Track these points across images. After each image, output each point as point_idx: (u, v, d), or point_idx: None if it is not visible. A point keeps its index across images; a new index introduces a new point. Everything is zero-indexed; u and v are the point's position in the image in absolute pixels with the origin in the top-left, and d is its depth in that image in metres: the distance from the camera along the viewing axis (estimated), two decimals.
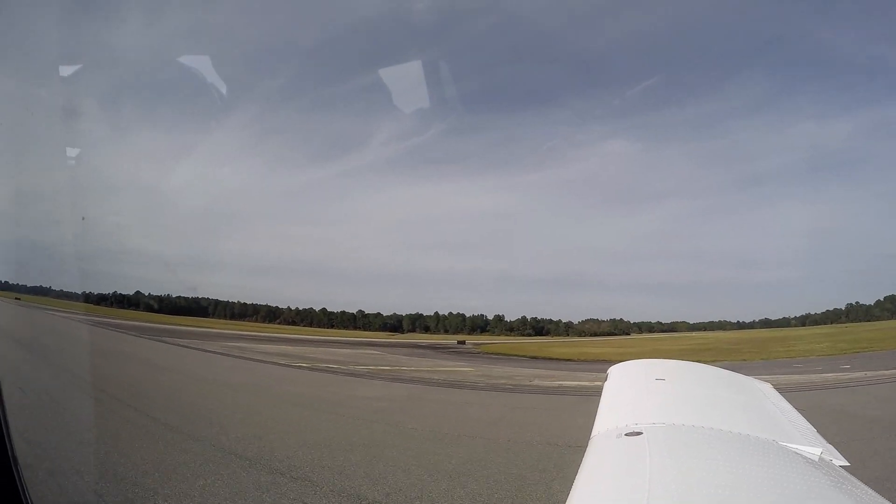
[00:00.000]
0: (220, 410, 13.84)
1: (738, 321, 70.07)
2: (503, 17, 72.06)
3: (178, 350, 33.84)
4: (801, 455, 2.45)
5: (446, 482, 8.20)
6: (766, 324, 65.76)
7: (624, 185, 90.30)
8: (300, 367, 28.09)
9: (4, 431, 2.71)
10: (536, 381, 25.01)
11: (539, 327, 73.31)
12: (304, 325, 70.79)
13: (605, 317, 75.45)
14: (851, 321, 62.04)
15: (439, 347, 57.72)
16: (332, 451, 9.93)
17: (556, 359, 46.26)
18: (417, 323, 74.01)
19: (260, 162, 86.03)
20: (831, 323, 63.26)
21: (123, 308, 61.52)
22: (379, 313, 73.43)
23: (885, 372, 24.55)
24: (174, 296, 66.42)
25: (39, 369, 16.66)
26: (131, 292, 65.04)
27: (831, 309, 67.01)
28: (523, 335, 70.75)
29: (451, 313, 75.50)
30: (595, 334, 71.48)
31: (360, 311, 73.36)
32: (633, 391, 3.80)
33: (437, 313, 75.08)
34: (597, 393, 3.74)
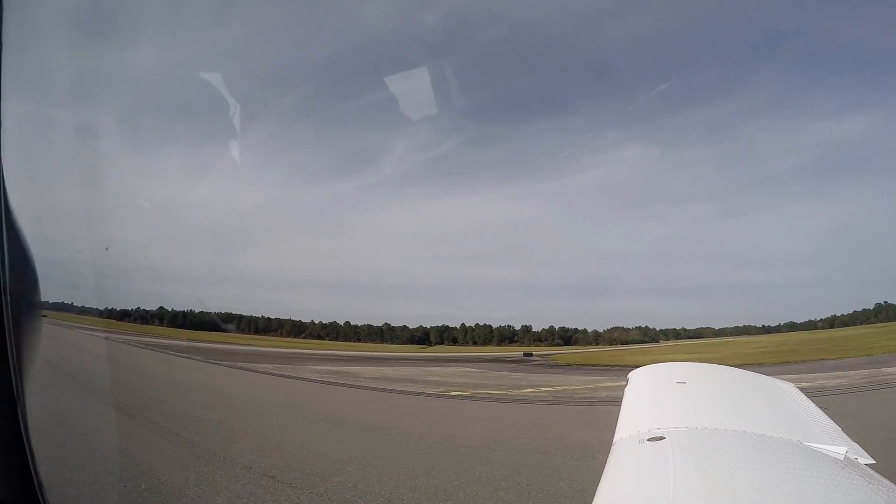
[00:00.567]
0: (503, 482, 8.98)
1: (763, 325, 68.27)
2: (514, 26, 72.42)
3: (282, 382, 27.09)
4: (827, 455, 2.42)
5: None
6: (793, 327, 63.96)
7: (642, 189, 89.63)
8: (436, 395, 22.89)
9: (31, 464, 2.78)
10: None
11: (567, 336, 72.20)
12: (330, 339, 70.58)
13: (628, 324, 74.02)
14: (881, 321, 60.01)
15: (509, 360, 53.59)
16: None
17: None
18: (445, 335, 73.45)
19: (277, 177, 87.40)
20: (861, 324, 61.30)
21: (147, 324, 62.46)
22: (405, 326, 72.98)
23: None
24: (197, 311, 67.34)
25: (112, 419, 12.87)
26: (154, 307, 66.09)
27: (860, 310, 64.93)
28: (552, 345, 69.64)
29: (477, 324, 74.60)
30: (625, 342, 70.06)
31: (387, 323, 72.96)
32: (654, 395, 3.78)
33: (463, 325, 74.25)
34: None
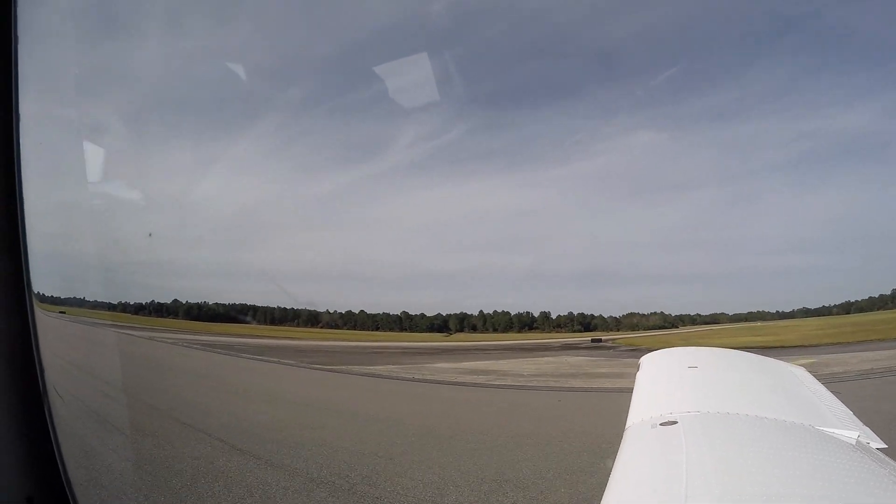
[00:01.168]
0: None
1: (778, 311, 67.74)
2: (521, 13, 71.22)
3: (425, 390, 23.08)
4: (839, 439, 2.43)
5: None
6: (807, 313, 63.44)
7: (650, 176, 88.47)
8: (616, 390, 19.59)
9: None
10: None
11: (586, 323, 71.93)
12: (348, 329, 70.89)
13: (643, 310, 73.69)
14: None
15: (579, 346, 51.31)
16: None
17: (764, 347, 39.96)
18: (465, 323, 73.46)
19: (286, 169, 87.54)
20: (879, 309, 60.55)
21: (162, 316, 63.25)
22: (423, 314, 72.95)
23: None
24: (210, 303, 68.04)
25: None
26: (169, 300, 66.88)
27: (876, 295, 64.06)
28: (572, 331, 69.44)
29: (495, 311, 74.44)
30: (647, 328, 69.75)
31: (405, 312, 72.96)
32: (666, 380, 3.79)
33: (481, 312, 74.15)
34: None
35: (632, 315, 72.28)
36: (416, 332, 68.45)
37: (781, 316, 66.26)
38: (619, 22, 77.07)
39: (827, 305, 62.58)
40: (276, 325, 68.15)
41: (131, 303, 60.32)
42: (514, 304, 76.29)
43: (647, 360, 4.44)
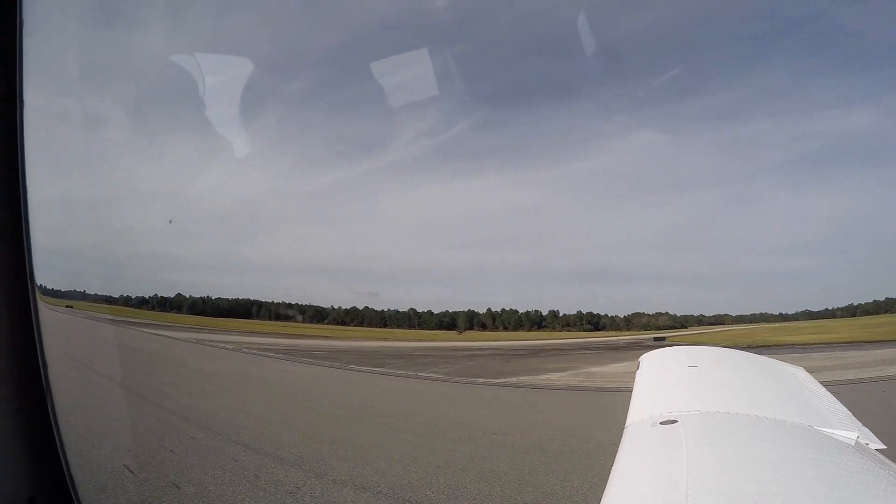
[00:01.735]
0: None
1: (780, 313, 67.69)
2: (522, 10, 70.93)
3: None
4: (838, 439, 2.44)
5: None
6: (809, 315, 63.32)
7: (650, 175, 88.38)
8: None
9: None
10: None
11: (595, 322, 71.92)
12: (355, 325, 70.76)
13: (647, 310, 73.55)
14: None
15: (643, 346, 51.94)
16: None
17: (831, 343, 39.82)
18: (475, 320, 73.37)
19: (286, 164, 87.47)
20: (885, 312, 60.27)
21: (166, 311, 63.31)
22: (430, 311, 72.69)
23: None
24: (214, 297, 68.10)
25: None
26: (172, 294, 66.95)
27: (882, 299, 63.77)
28: (582, 331, 69.42)
29: (503, 309, 74.50)
30: (658, 328, 69.39)
31: (412, 308, 72.72)
32: (666, 379, 3.80)
33: (489, 310, 74.13)
34: None
35: (639, 315, 72.18)
36: (427, 329, 67.95)
37: (784, 318, 66.25)
38: (620, 21, 76.68)
39: (830, 308, 62.41)
40: (281, 321, 68.25)
41: (133, 297, 60.56)
42: (514, 302, 76.19)
43: (646, 359, 4.45)
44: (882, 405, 15.30)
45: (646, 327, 68.50)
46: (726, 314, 72.14)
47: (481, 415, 16.22)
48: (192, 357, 29.79)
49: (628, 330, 67.60)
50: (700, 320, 70.66)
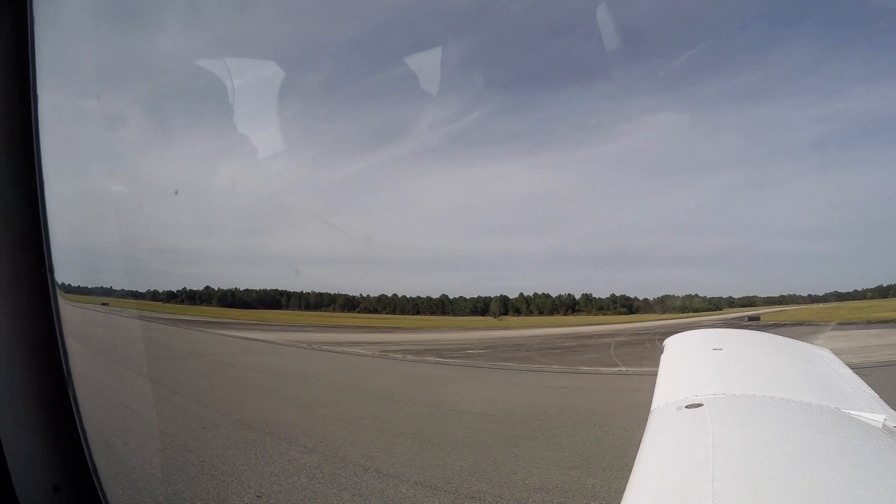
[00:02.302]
0: None
1: (809, 294, 65.94)
2: None
3: None
4: (865, 422, 2.42)
5: None
6: (840, 297, 61.55)
7: (672, 157, 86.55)
8: None
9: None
10: None
11: (629, 305, 71.14)
12: (387, 313, 71.02)
13: (675, 292, 72.16)
14: None
15: (735, 325, 50.78)
16: None
17: None
18: (509, 305, 73.10)
19: (307, 155, 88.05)
20: None
21: (195, 304, 64.40)
22: (462, 297, 72.31)
23: None
24: (242, 289, 69.16)
25: None
26: (200, 287, 68.05)
27: None
28: (617, 314, 68.74)
29: (535, 294, 74.06)
30: (696, 311, 68.05)
31: (444, 295, 72.49)
32: (690, 362, 3.77)
33: (521, 294, 73.64)
34: None
35: (670, 297, 70.87)
36: (459, 315, 67.08)
37: (814, 300, 64.61)
38: (639, 1, 74.02)
39: (860, 290, 60.60)
40: (311, 310, 68.89)
41: (161, 291, 61.87)
42: (541, 286, 75.74)
43: (671, 342, 4.44)
44: None
45: (683, 310, 67.20)
46: (755, 295, 70.48)
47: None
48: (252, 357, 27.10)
49: (663, 313, 66.30)
50: (731, 302, 69.11)
